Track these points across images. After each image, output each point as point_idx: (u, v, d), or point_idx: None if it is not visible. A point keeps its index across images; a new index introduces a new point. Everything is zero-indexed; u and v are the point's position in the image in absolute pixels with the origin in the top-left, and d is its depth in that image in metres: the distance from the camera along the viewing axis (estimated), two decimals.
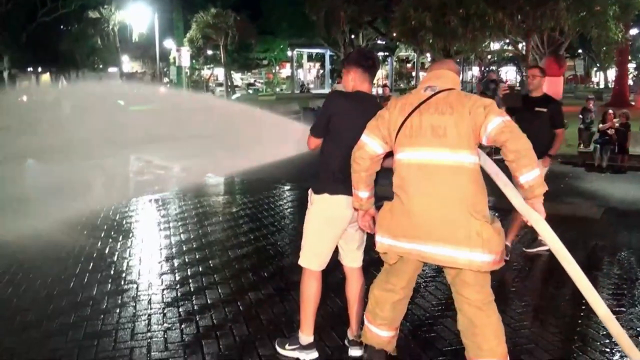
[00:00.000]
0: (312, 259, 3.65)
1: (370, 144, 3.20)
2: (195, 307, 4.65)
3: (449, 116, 2.99)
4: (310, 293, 3.67)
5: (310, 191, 3.69)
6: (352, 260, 3.77)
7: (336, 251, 3.76)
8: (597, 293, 3.18)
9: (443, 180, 2.97)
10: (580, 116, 12.65)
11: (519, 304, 4.73)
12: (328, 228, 3.60)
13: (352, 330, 3.81)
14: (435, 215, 2.96)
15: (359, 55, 3.72)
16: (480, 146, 3.07)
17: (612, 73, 36.06)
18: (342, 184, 3.50)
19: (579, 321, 4.38)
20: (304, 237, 3.70)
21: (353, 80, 3.61)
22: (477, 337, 3.10)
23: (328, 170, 3.55)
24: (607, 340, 4.01)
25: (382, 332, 3.42)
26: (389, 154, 3.28)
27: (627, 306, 4.76)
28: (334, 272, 3.92)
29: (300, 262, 3.70)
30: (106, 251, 6.19)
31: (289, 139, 3.75)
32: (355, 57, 3.67)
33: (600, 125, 11.84)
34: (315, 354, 3.75)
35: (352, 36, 32.81)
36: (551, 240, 3.11)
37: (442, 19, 12.06)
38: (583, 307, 4.44)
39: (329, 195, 3.54)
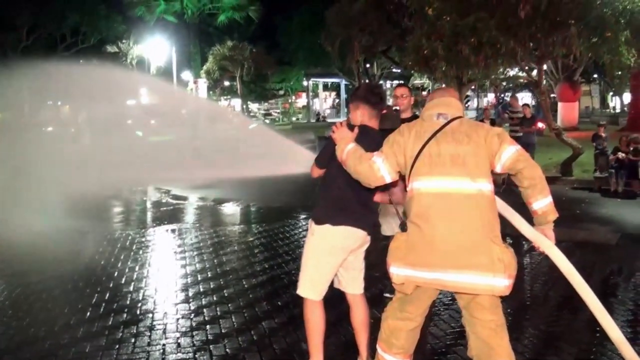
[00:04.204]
0: (310, 288, 3.66)
1: (382, 170, 3.19)
2: (210, 337, 4.69)
3: (466, 145, 3.04)
4: (314, 322, 3.67)
5: (310, 221, 3.72)
6: (354, 288, 3.79)
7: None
8: (611, 317, 3.19)
9: (465, 208, 3.00)
10: (594, 143, 12.58)
11: (532, 332, 4.70)
12: (329, 258, 3.62)
13: (362, 358, 3.81)
14: (459, 243, 2.98)
15: (367, 91, 3.76)
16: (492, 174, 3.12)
17: (627, 97, 35.89)
18: (343, 214, 3.54)
19: (594, 349, 4.34)
20: (303, 267, 3.72)
21: (362, 116, 3.67)
22: (492, 359, 3.10)
23: (329, 201, 3.60)
24: None
25: None
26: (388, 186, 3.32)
27: None
28: (344, 300, 3.94)
29: (299, 292, 3.70)
30: (122, 281, 6.27)
31: (306, 166, 3.81)
32: (363, 94, 3.72)
33: (611, 157, 11.75)
34: None
35: (367, 65, 33.05)
36: (564, 265, 3.15)
37: (455, 48, 12.15)
38: (597, 335, 4.41)
39: (330, 226, 3.57)
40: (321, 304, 3.69)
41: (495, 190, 3.13)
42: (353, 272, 3.76)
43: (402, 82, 14.64)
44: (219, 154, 17.96)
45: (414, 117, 5.10)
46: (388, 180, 3.24)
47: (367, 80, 28.26)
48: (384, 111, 3.76)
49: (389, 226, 4.91)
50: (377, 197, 3.69)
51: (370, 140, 3.45)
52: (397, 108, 4.93)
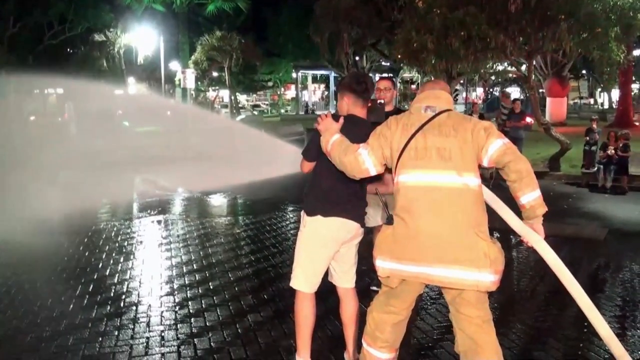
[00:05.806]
0: (304, 281, 3.63)
1: (367, 162, 3.16)
2: (194, 330, 4.63)
3: (453, 138, 3.00)
4: (304, 315, 3.64)
5: (302, 213, 3.69)
6: (345, 281, 3.75)
7: (327, 273, 3.74)
8: (599, 313, 3.16)
9: (450, 202, 2.96)
10: (587, 137, 12.61)
11: (520, 327, 4.68)
12: (321, 250, 3.58)
13: (349, 352, 3.77)
14: (444, 237, 2.94)
15: (352, 80, 3.71)
16: (480, 168, 3.07)
17: (616, 93, 36.13)
18: (334, 206, 3.50)
19: (581, 344, 4.33)
20: (296, 259, 3.69)
21: (347, 105, 3.64)
22: (479, 356, 3.06)
23: (320, 192, 3.56)
24: None
25: (382, 354, 3.36)
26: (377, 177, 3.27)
27: (631, 329, 4.72)
28: (332, 295, 3.90)
29: (292, 284, 3.68)
30: (107, 273, 6.18)
31: (295, 159, 3.77)
32: (348, 82, 3.68)
33: (600, 154, 11.78)
34: None
35: (357, 58, 32.98)
36: (552, 260, 3.12)
37: (444, 41, 12.09)
38: (585, 330, 4.40)
39: (322, 217, 3.53)
40: (313, 298, 3.65)
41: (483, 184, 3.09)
42: (345, 265, 3.72)
43: (385, 75, 14.57)
44: (204, 145, 17.88)
45: (397, 110, 5.06)
46: (373, 172, 3.20)
47: None
48: (369, 104, 3.71)
49: (369, 217, 4.86)
50: (366, 188, 3.66)
51: (358, 129, 3.42)
52: (382, 101, 4.90)
